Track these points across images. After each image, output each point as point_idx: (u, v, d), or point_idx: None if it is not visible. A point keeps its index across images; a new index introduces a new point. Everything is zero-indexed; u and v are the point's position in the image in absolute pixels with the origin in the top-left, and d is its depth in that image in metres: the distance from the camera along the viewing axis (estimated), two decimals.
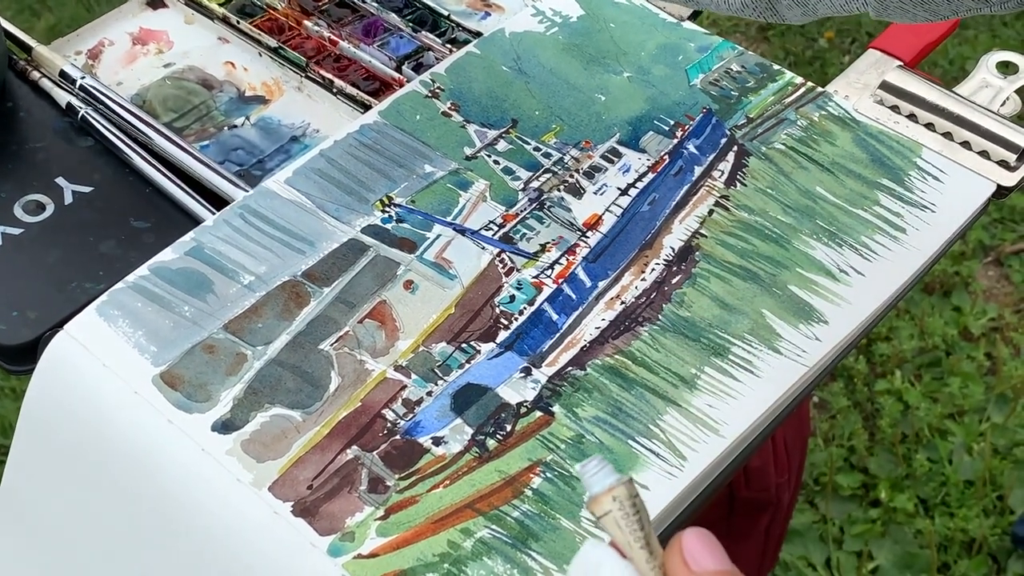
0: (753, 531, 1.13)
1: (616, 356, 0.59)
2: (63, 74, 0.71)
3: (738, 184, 0.67)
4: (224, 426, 0.56)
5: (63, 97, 0.70)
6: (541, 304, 0.61)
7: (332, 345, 0.59)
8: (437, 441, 0.56)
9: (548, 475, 0.55)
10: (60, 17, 2.05)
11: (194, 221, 0.65)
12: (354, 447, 0.56)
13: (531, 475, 0.55)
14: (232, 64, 0.74)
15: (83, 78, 0.70)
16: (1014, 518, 1.59)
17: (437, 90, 0.71)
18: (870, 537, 1.59)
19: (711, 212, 0.66)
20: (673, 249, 0.64)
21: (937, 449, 1.67)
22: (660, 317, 0.61)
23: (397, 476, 0.55)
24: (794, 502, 1.19)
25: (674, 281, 0.63)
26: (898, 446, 1.68)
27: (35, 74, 0.72)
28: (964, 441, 1.67)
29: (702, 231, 0.65)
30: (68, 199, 0.67)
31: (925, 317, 1.83)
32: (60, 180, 0.68)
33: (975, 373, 1.76)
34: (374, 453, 0.55)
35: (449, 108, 0.70)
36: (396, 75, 0.73)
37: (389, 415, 0.57)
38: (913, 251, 0.64)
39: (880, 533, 1.60)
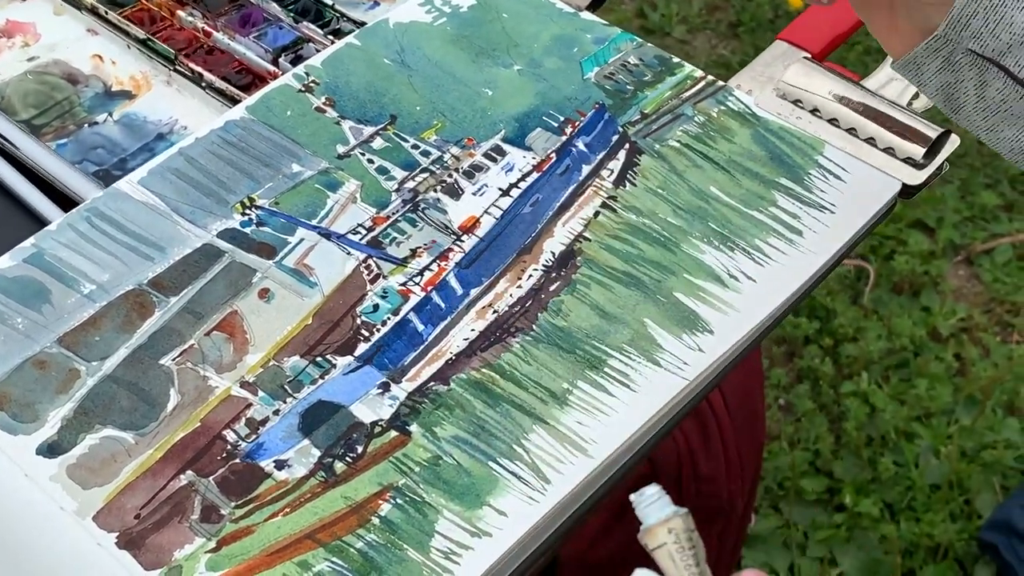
0: (706, 539, 1.08)
1: (483, 370, 0.55)
2: None
3: (628, 184, 0.63)
4: (50, 449, 0.52)
5: None
6: (407, 314, 0.57)
7: (174, 360, 0.55)
8: (280, 465, 0.52)
9: (398, 501, 0.50)
10: None
11: (43, 226, 0.60)
12: (189, 472, 0.51)
13: (380, 501, 0.50)
14: (100, 57, 0.70)
15: None
16: (981, 523, 1.56)
17: (311, 84, 0.66)
18: (834, 543, 1.56)
19: (597, 214, 0.61)
20: (554, 254, 0.60)
21: (903, 452, 1.64)
22: (534, 327, 0.57)
23: (233, 504, 0.50)
24: (750, 508, 1.15)
25: (552, 288, 0.58)
26: (864, 449, 1.64)
27: None
28: (931, 444, 1.64)
29: (586, 234, 0.60)
30: None
31: (893, 317, 1.80)
32: None
33: (943, 374, 1.73)
34: (210, 479, 0.51)
35: (323, 103, 0.65)
36: (272, 68, 0.68)
37: (230, 436, 0.52)
38: (809, 255, 0.60)
39: (844, 539, 1.56)
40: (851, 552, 1.56)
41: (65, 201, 0.63)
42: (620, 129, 0.65)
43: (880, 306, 1.81)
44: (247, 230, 0.59)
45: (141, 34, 0.69)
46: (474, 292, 0.58)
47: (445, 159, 0.63)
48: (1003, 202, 1.94)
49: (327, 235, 0.60)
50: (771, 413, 1.71)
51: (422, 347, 0.56)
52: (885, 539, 1.56)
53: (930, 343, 1.77)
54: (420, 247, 0.60)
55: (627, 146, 0.64)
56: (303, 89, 0.66)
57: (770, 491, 1.62)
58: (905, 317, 1.79)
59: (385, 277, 0.58)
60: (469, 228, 0.61)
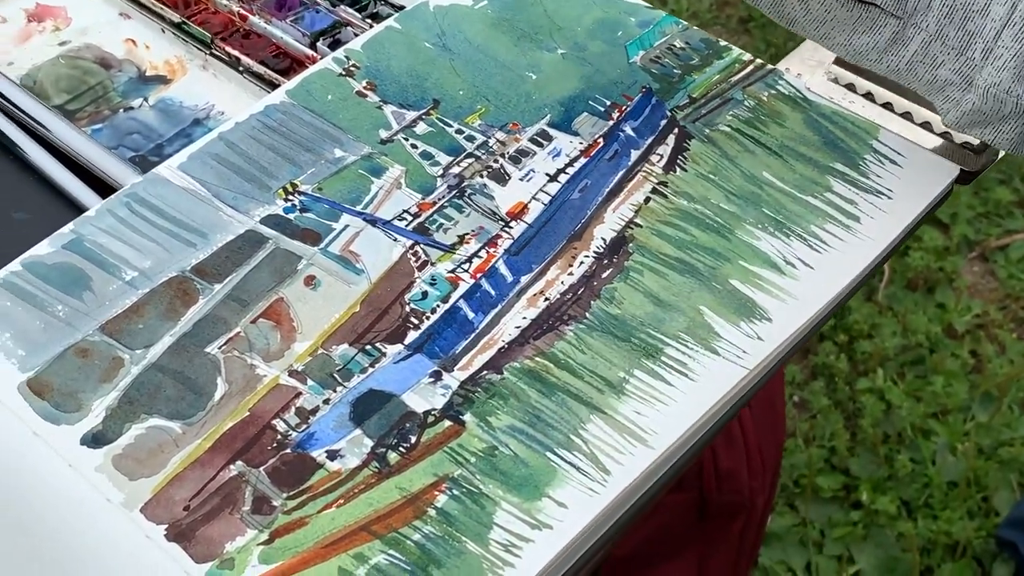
0: (727, 536, 1.08)
1: (537, 358, 0.54)
2: None
3: (678, 169, 0.61)
4: (94, 439, 0.50)
5: None
6: (456, 301, 0.56)
7: (220, 348, 0.53)
8: (332, 455, 0.50)
9: (455, 492, 0.49)
10: None
11: (81, 213, 0.59)
12: (239, 462, 0.50)
13: (436, 492, 0.49)
14: (133, 41, 0.68)
15: None
16: (999, 520, 1.55)
17: (352, 67, 0.65)
18: (851, 540, 1.55)
19: (647, 200, 0.60)
20: (604, 240, 0.58)
21: (920, 449, 1.63)
22: (587, 315, 0.55)
23: (285, 495, 0.49)
24: (770, 505, 1.14)
25: (604, 275, 0.57)
26: (880, 446, 1.64)
27: None
28: (948, 441, 1.63)
29: (637, 220, 0.59)
30: None
31: (908, 314, 1.79)
32: None
33: (959, 371, 1.72)
34: (261, 469, 0.50)
35: (365, 87, 0.64)
36: (310, 52, 0.67)
37: (280, 426, 0.51)
38: (867, 241, 0.58)
39: (862, 536, 1.56)
40: (868, 550, 1.55)
41: (101, 187, 0.61)
42: (668, 113, 0.64)
43: (895, 302, 1.81)
44: (291, 216, 0.58)
45: (176, 17, 0.68)
46: (524, 279, 0.57)
47: (490, 144, 0.62)
48: (1017, 198, 1.93)
49: (372, 221, 0.58)
50: (786, 410, 1.70)
51: (473, 335, 0.54)
52: (903, 537, 1.55)
53: (945, 340, 1.76)
54: (468, 233, 0.58)
55: (676, 131, 0.63)
56: (344, 73, 0.64)
57: (786, 488, 1.61)
58: (920, 313, 1.78)
59: (433, 264, 0.57)
60: (517, 214, 0.59)
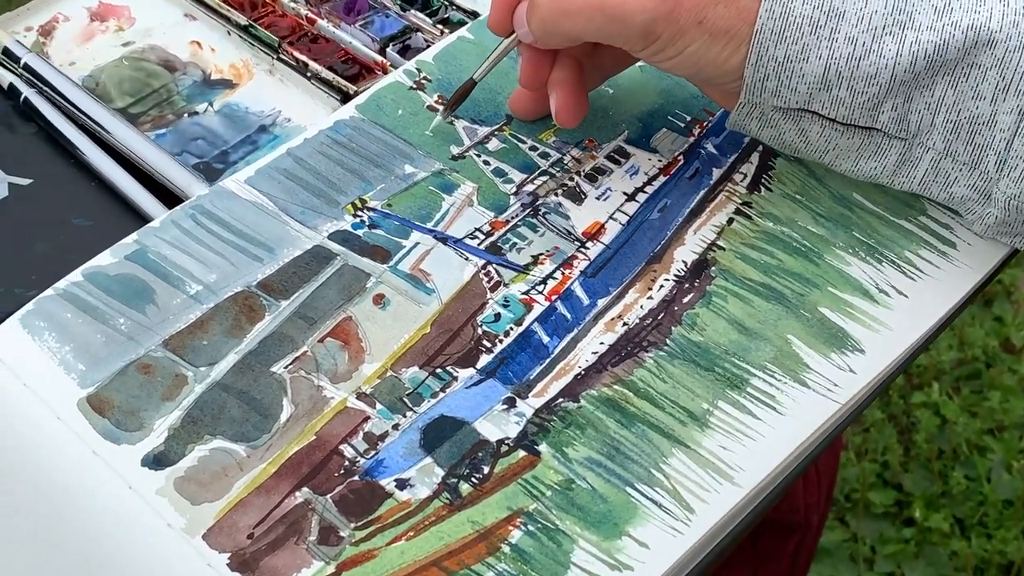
0: (781, 554, 1.05)
1: (615, 386, 0.51)
2: (7, 52, 0.63)
3: (763, 189, 0.59)
4: (156, 460, 0.48)
5: (5, 77, 0.63)
6: (530, 324, 0.53)
7: (287, 367, 0.51)
8: (402, 484, 0.48)
9: (530, 528, 0.47)
10: None
11: (144, 220, 0.57)
12: (305, 489, 0.48)
13: (510, 527, 0.47)
14: (198, 44, 0.66)
15: (27, 56, 0.62)
16: None
17: (423, 81, 0.62)
18: (903, 558, 1.52)
19: (731, 221, 0.57)
20: (686, 263, 0.56)
21: (975, 466, 1.60)
22: (668, 342, 0.53)
23: (353, 525, 0.47)
24: (823, 522, 1.11)
25: (686, 300, 0.54)
26: (934, 462, 1.60)
27: None
28: (1004, 458, 1.60)
29: (720, 243, 0.56)
30: (3, 192, 0.59)
31: (965, 327, 1.75)
32: None
33: (1016, 387, 1.68)
34: (328, 497, 0.47)
35: (436, 102, 0.62)
36: (379, 58, 0.65)
37: (348, 451, 0.49)
38: (964, 269, 0.56)
39: (913, 554, 1.53)
40: (920, 568, 1.52)
41: (163, 193, 0.59)
42: None
43: None
44: (359, 232, 0.56)
45: (243, 20, 0.66)
46: (601, 303, 0.54)
47: (565, 161, 0.60)
48: None
49: (443, 239, 0.56)
50: None
51: (548, 360, 0.52)
52: (955, 555, 1.52)
53: (1002, 354, 1.73)
54: (542, 254, 0.56)
55: (760, 148, 0.60)
56: (414, 86, 0.62)
57: (837, 503, 1.58)
58: (977, 327, 1.75)
59: (506, 285, 0.55)
60: (594, 234, 0.57)
